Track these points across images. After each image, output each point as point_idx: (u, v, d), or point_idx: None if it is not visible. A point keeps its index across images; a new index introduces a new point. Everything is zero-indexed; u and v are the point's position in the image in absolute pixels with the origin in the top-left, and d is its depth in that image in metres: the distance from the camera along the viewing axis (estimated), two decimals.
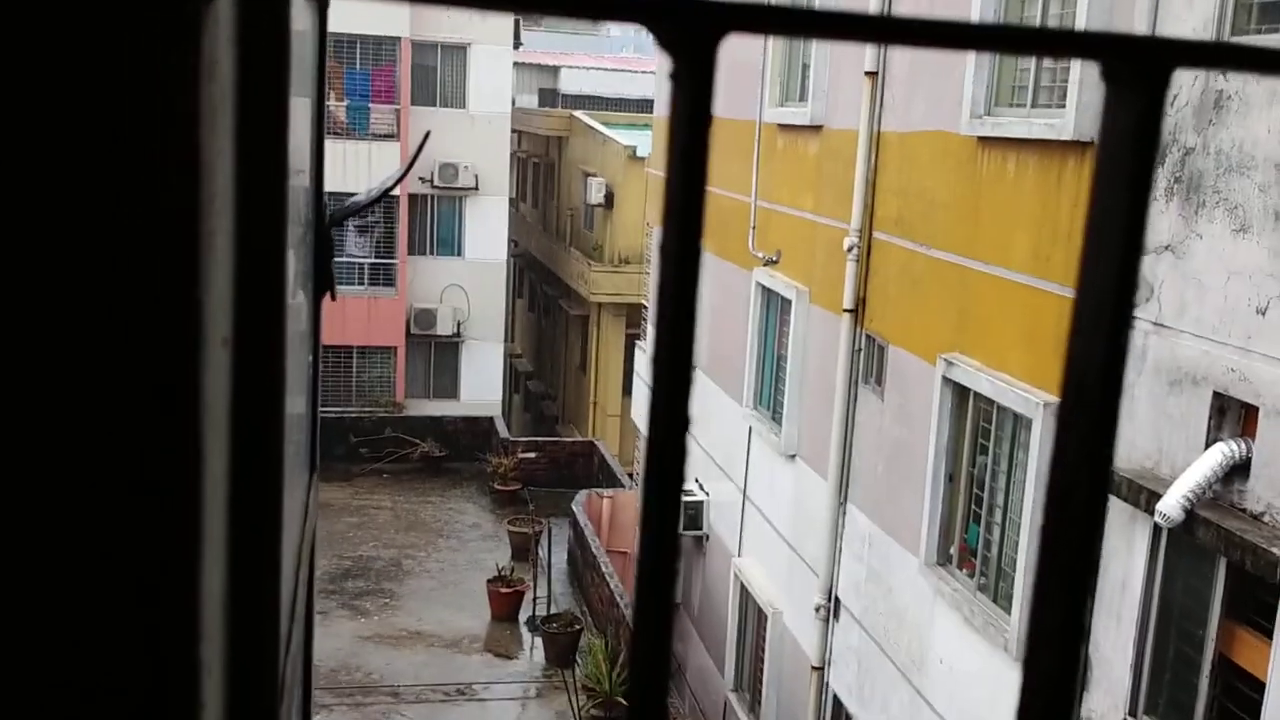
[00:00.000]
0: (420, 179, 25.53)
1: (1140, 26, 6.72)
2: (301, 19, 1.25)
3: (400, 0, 0.37)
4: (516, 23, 26.96)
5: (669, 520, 0.46)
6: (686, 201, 0.42)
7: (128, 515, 0.42)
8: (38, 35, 0.40)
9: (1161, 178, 6.64)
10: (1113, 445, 0.43)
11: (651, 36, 0.42)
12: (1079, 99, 7.33)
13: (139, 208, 0.39)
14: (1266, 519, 5.83)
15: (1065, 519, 0.46)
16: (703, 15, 0.39)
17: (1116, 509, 6.86)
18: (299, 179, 1.30)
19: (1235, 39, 6.19)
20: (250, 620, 0.64)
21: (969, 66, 8.59)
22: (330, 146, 25.48)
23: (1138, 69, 0.41)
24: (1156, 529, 6.46)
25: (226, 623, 0.59)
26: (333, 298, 1.50)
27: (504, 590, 17.31)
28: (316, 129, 1.52)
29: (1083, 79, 7.32)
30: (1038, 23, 8.06)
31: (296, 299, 1.12)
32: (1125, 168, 0.41)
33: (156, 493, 0.41)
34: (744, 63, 13.30)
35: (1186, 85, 6.39)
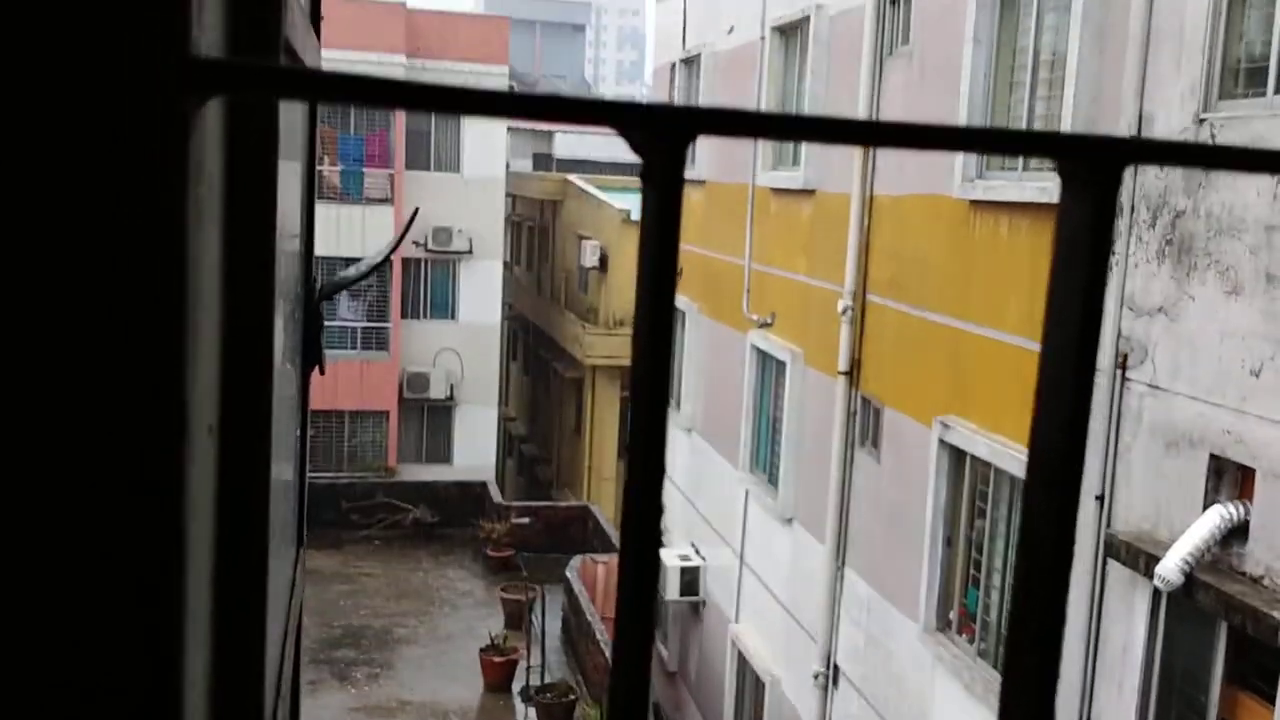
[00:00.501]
0: (414, 243, 25.65)
1: (1129, 92, 6.83)
2: (290, 111, 1.27)
3: (378, 106, 0.39)
4: (511, 87, 27.29)
5: (647, 583, 0.47)
6: (657, 292, 0.43)
7: (109, 603, 0.42)
8: (32, 137, 0.41)
9: (1153, 240, 6.70)
10: (1075, 514, 0.44)
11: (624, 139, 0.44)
12: None
13: (122, 304, 0.40)
14: (1266, 582, 5.80)
15: (1036, 570, 0.47)
16: (670, 120, 0.40)
17: (1115, 572, 6.83)
18: (289, 253, 1.31)
19: (1223, 103, 6.28)
20: (235, 703, 0.64)
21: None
22: (324, 211, 25.57)
23: (1090, 167, 0.43)
24: (1156, 593, 6.42)
25: (210, 705, 0.59)
26: (321, 371, 1.51)
27: (497, 659, 17.10)
28: (307, 205, 1.55)
29: None
30: (1027, 91, 8.19)
31: (285, 372, 1.13)
32: (1081, 262, 0.43)
33: (139, 581, 0.42)
34: None
35: None
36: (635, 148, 0.42)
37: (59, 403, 0.41)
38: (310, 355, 1.44)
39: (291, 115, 1.42)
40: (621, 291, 25.44)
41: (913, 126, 0.42)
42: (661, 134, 0.41)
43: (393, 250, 2.61)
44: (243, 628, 0.65)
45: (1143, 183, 6.73)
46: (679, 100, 15.72)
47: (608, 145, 38.37)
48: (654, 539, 0.47)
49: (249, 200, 0.61)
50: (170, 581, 0.41)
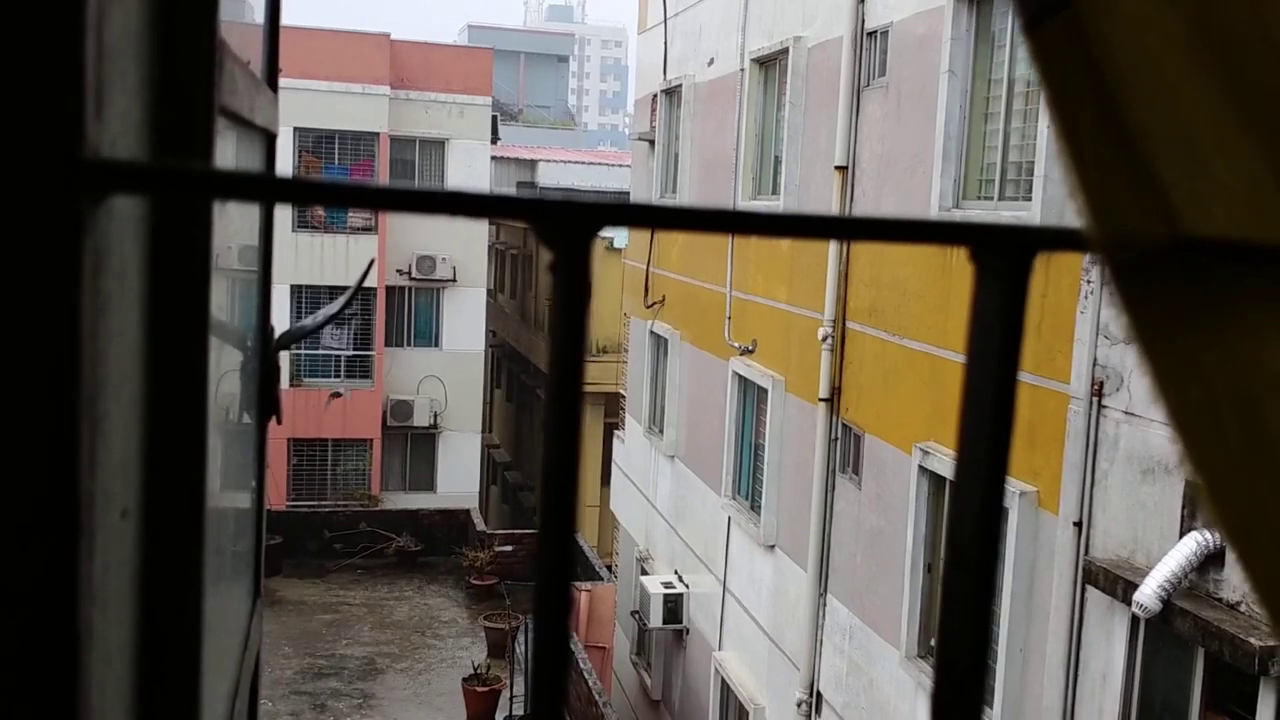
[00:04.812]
0: (398, 271, 25.68)
1: None
2: (246, 161, 1.27)
3: (289, 202, 0.39)
4: (494, 118, 27.40)
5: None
6: (565, 377, 0.43)
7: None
8: None
9: None
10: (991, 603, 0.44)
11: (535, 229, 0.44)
12: (1044, 192, 7.47)
13: (5, 409, 0.40)
14: (1243, 608, 5.82)
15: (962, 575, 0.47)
16: (576, 214, 0.40)
17: (1094, 599, 6.83)
18: (244, 303, 1.31)
19: None
20: None
21: (937, 160, 8.77)
22: (309, 240, 25.42)
23: (1002, 255, 0.43)
24: (1135, 619, 6.43)
25: None
26: (278, 421, 1.50)
27: (480, 689, 16.99)
28: (265, 251, 1.54)
29: (1048, 173, 7.48)
30: (1002, 122, 8.25)
31: (234, 428, 1.12)
32: (993, 348, 0.43)
33: (31, 683, 0.41)
34: (718, 155, 13.54)
35: None
36: (543, 239, 0.42)
37: None
38: (266, 406, 1.43)
39: (250, 149, 1.42)
40: (604, 319, 25.45)
41: (827, 217, 0.42)
42: (569, 225, 0.41)
43: (347, 304, 2.61)
44: (173, 707, 0.64)
45: None
46: (661, 129, 15.79)
47: (591, 174, 38.52)
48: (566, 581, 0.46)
49: (177, 281, 0.61)
50: (69, 683, 0.40)
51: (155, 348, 0.56)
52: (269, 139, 1.41)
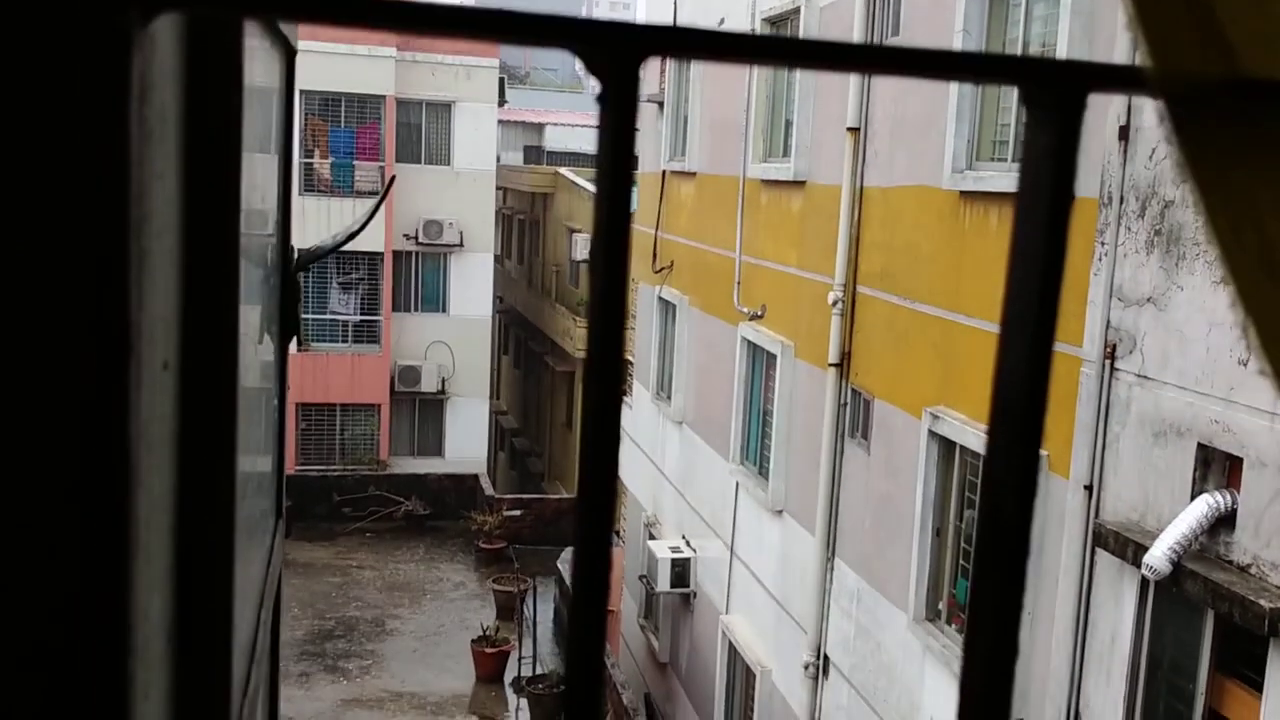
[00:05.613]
0: (405, 236, 25.64)
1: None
2: (267, 73, 1.26)
3: (362, 27, 0.38)
4: (501, 81, 27.26)
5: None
6: (612, 216, 0.43)
7: (52, 531, 0.42)
8: None
9: (1142, 230, 6.72)
10: (1036, 466, 0.44)
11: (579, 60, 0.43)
12: None
13: (58, 227, 0.39)
14: (1253, 570, 5.82)
15: (997, 536, 0.47)
16: (624, 38, 0.40)
17: (1104, 561, 6.84)
18: (262, 215, 1.30)
19: None
20: (199, 648, 0.63)
21: (950, 121, 8.71)
22: (315, 203, 25.40)
23: (1054, 92, 0.43)
24: (1144, 582, 6.44)
25: (170, 648, 0.58)
26: (299, 344, 1.50)
27: (489, 650, 17.13)
28: (284, 174, 1.53)
29: None
30: (1021, 38, 8.19)
31: (263, 343, 1.12)
32: (1044, 192, 0.42)
33: (83, 508, 0.41)
34: (728, 119, 13.46)
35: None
36: (590, 67, 0.41)
37: None
38: (288, 324, 1.43)
39: (267, 96, 1.42)
40: None
41: (875, 48, 0.41)
42: (617, 51, 0.40)
43: (370, 218, 2.61)
44: (206, 559, 0.64)
45: (1132, 172, 6.74)
46: (671, 92, 15.69)
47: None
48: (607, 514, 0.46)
49: (210, 134, 0.60)
50: (117, 513, 0.40)
51: (191, 182, 0.56)
52: (289, 56, 1.40)
